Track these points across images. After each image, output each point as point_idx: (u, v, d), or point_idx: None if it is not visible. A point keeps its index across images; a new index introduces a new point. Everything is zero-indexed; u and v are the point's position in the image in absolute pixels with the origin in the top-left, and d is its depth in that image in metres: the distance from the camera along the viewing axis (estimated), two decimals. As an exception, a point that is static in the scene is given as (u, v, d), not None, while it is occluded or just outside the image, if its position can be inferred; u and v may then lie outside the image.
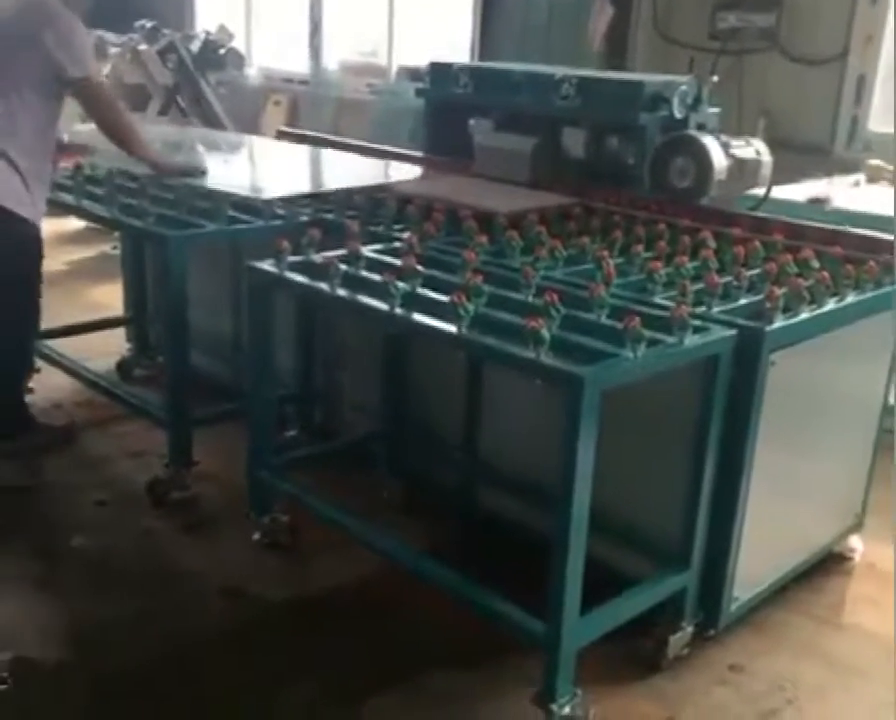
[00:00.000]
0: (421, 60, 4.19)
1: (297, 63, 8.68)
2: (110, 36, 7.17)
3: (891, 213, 3.81)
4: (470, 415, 3.07)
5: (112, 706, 2.39)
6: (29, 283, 3.31)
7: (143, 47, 7.10)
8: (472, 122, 3.77)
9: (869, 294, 2.71)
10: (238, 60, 7.77)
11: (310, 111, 8.23)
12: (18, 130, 3.15)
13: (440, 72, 3.88)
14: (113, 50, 7.13)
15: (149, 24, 7.30)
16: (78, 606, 2.73)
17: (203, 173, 3.66)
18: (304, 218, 3.24)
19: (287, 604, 2.77)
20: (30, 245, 3.25)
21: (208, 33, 7.56)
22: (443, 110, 3.94)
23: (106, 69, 6.69)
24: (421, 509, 3.20)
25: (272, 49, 9.15)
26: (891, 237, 2.94)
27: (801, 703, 2.48)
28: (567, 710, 2.20)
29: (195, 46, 7.32)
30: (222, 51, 7.46)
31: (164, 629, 2.64)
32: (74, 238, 6.28)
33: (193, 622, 2.67)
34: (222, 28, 7.64)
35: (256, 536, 3.00)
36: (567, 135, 3.50)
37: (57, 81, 3.16)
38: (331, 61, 8.58)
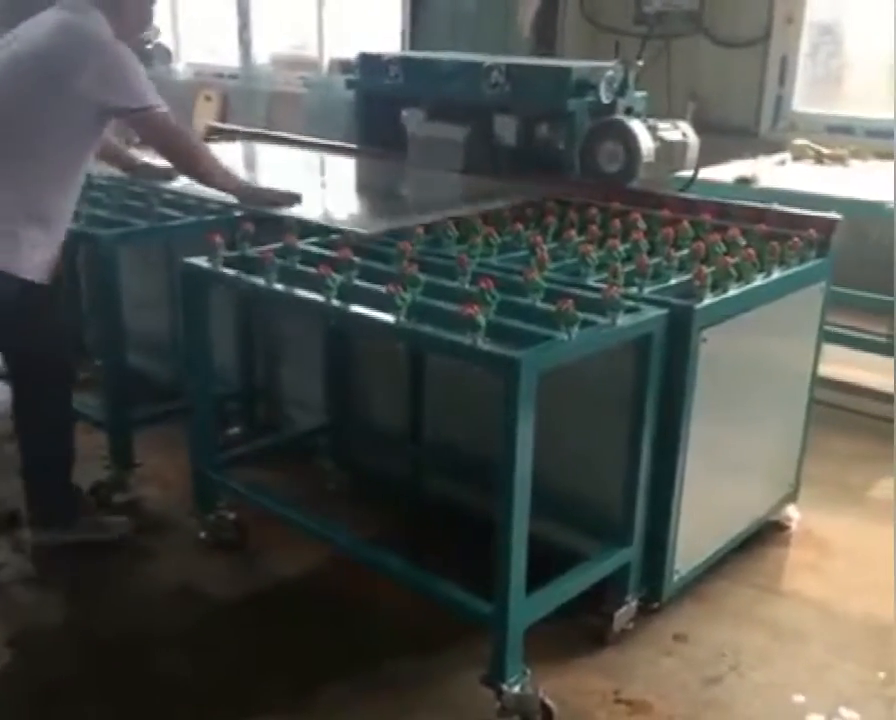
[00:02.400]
0: (353, 52, 4.17)
1: (228, 57, 8.58)
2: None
3: (815, 190, 3.93)
4: (413, 403, 3.09)
5: (61, 711, 2.37)
6: (43, 344, 2.82)
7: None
8: (404, 113, 3.78)
9: (794, 269, 2.79)
10: (165, 55, 7.66)
11: (242, 105, 8.15)
12: (28, 177, 2.69)
13: (370, 63, 3.88)
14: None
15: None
16: (22, 611, 2.69)
17: (297, 200, 3.13)
18: (238, 213, 3.22)
19: (237, 600, 2.76)
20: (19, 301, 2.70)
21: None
22: (374, 101, 3.94)
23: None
24: (368, 499, 3.22)
25: (201, 44, 9.04)
26: (815, 213, 3.03)
27: (743, 669, 2.55)
28: (517, 689, 2.24)
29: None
30: (149, 46, 7.35)
31: (112, 632, 2.62)
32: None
33: (142, 624, 2.65)
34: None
35: (202, 535, 2.98)
36: (498, 123, 3.53)
37: (98, 116, 2.74)
38: (262, 55, 8.50)
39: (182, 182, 3.37)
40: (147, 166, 3.53)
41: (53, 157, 2.70)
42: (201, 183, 3.06)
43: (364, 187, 3.95)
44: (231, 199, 3.16)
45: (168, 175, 3.44)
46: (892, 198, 3.74)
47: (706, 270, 2.48)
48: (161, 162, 3.28)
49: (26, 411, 2.89)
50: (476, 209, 3.07)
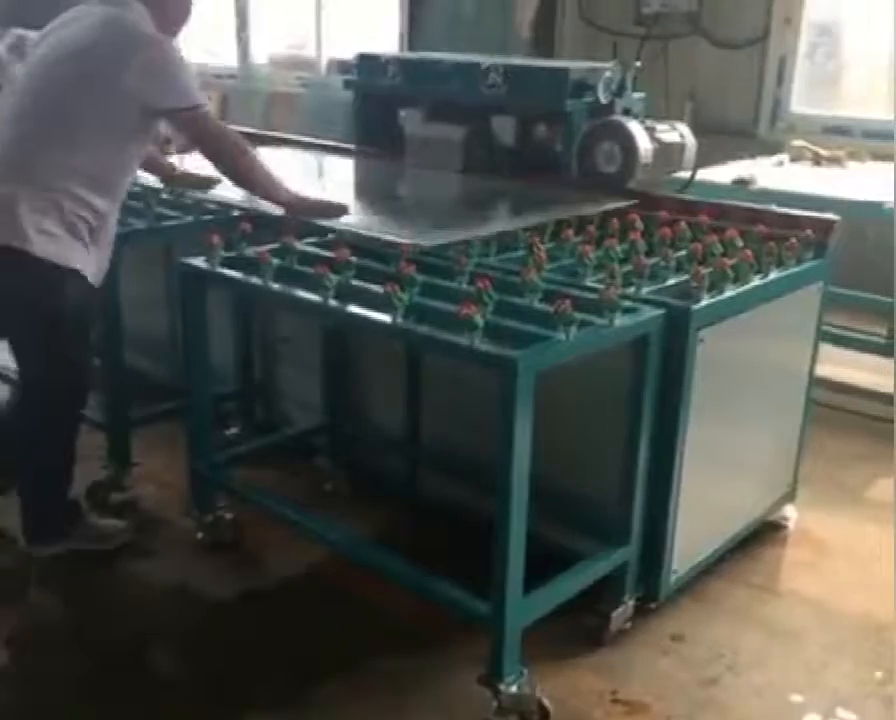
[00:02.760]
0: (351, 52, 4.16)
1: (226, 58, 8.58)
2: (30, 34, 6.99)
3: (812, 191, 3.94)
4: (411, 403, 3.09)
5: (59, 711, 2.37)
6: (62, 338, 2.66)
7: (66, 45, 6.93)
8: (402, 113, 3.78)
9: (792, 270, 2.79)
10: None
11: (240, 105, 8.14)
12: (71, 177, 2.57)
13: (368, 64, 3.87)
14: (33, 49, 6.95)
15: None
16: (19, 610, 2.69)
17: (345, 211, 2.90)
18: (236, 213, 3.22)
19: (233, 600, 2.76)
20: (61, 294, 2.59)
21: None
22: (373, 102, 3.94)
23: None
24: (365, 499, 3.22)
25: (199, 44, 9.03)
26: (813, 214, 3.04)
27: (741, 669, 2.55)
28: (514, 689, 2.24)
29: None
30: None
31: (109, 631, 2.62)
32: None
33: (139, 623, 2.65)
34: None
35: (199, 535, 2.98)
36: (496, 123, 3.53)
37: (143, 117, 2.63)
38: (260, 55, 8.50)
39: (221, 192, 3.22)
40: (186, 175, 3.36)
41: (94, 158, 2.59)
42: (247, 190, 2.89)
43: (392, 195, 3.67)
44: (267, 206, 2.93)
45: (208, 184, 3.25)
46: (889, 199, 3.75)
47: (703, 271, 2.49)
48: (199, 170, 3.21)
49: (33, 425, 2.76)
50: (538, 220, 2.97)
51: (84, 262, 2.61)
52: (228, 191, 3.10)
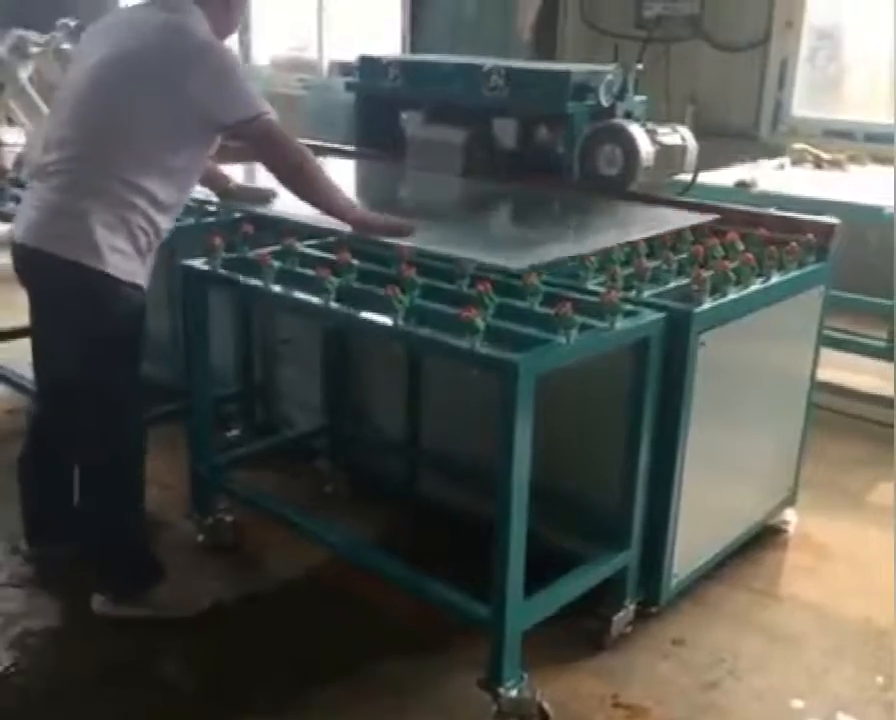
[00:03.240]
0: (353, 54, 4.16)
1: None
2: (32, 35, 7.00)
3: (814, 195, 3.94)
4: (412, 405, 3.09)
5: (60, 713, 2.37)
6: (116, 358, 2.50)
7: (66, 46, 6.94)
8: (404, 115, 3.78)
9: (793, 273, 2.79)
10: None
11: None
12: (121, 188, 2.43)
13: (370, 66, 3.87)
14: (35, 49, 6.96)
15: (73, 22, 7.14)
16: (20, 615, 2.69)
17: (412, 231, 2.66)
18: (237, 214, 3.22)
19: (234, 602, 2.76)
20: (125, 308, 2.49)
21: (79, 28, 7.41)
22: (374, 104, 3.94)
23: (28, 69, 6.53)
24: (365, 501, 3.21)
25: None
26: (814, 218, 3.03)
27: (741, 673, 2.55)
28: (514, 693, 2.24)
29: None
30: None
31: (110, 634, 2.61)
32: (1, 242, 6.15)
33: (140, 627, 2.64)
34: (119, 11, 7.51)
35: (200, 537, 2.98)
36: (498, 126, 3.52)
37: (206, 129, 2.51)
38: (262, 57, 8.50)
39: (277, 208, 3.01)
40: (243, 188, 3.16)
41: (160, 175, 2.46)
42: (310, 204, 2.63)
43: (439, 211, 3.31)
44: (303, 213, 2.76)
45: (266, 198, 3.04)
46: (890, 203, 3.75)
47: (705, 274, 2.48)
48: (256, 183, 3.10)
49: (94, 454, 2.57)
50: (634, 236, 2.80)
51: (144, 276, 2.55)
52: (288, 206, 2.87)
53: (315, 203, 2.63)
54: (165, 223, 2.56)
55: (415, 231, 2.63)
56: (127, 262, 2.46)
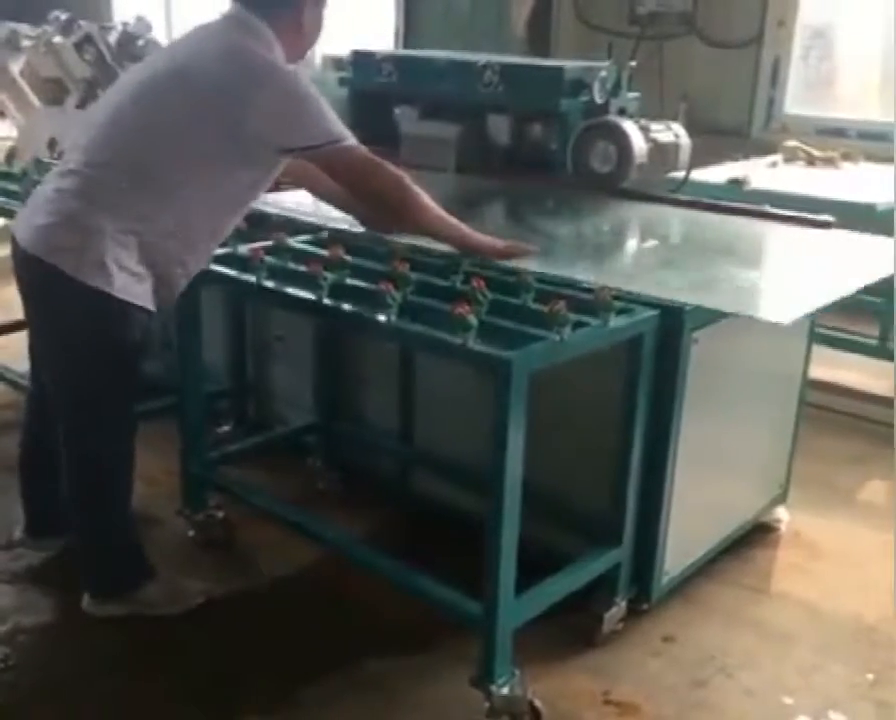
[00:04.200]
0: (346, 49, 4.15)
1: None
2: (24, 28, 6.97)
3: (806, 192, 3.94)
4: (404, 402, 3.09)
5: (53, 711, 2.36)
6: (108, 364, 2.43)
7: (58, 39, 6.91)
8: (397, 111, 3.77)
9: (786, 271, 2.80)
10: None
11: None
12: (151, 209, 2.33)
13: (363, 61, 3.86)
14: (27, 43, 6.93)
15: (64, 15, 7.11)
16: (10, 611, 2.68)
17: (529, 251, 2.56)
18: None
19: (225, 600, 2.75)
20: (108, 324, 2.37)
21: (126, 24, 7.39)
22: (367, 99, 3.93)
23: (20, 63, 6.50)
24: (358, 498, 3.21)
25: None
26: (807, 215, 3.04)
27: (732, 671, 2.55)
28: (506, 690, 2.23)
29: (113, 38, 7.14)
30: (141, 42, 7.28)
31: (99, 631, 2.60)
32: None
33: (132, 624, 2.63)
34: (140, 19, 7.48)
35: (191, 533, 2.97)
36: (491, 122, 3.52)
37: (268, 156, 2.39)
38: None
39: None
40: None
41: (173, 193, 2.33)
42: (412, 231, 2.54)
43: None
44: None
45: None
46: (882, 200, 3.76)
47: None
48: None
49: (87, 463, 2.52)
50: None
51: (152, 299, 2.41)
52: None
53: (421, 231, 2.51)
54: (190, 251, 2.42)
55: (534, 252, 2.54)
56: (137, 284, 2.34)
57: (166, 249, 2.37)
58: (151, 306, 2.40)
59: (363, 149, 2.39)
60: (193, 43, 2.43)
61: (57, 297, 2.35)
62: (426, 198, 2.46)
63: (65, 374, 2.46)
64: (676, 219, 3.29)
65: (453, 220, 2.51)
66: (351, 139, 2.37)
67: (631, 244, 3.21)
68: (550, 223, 3.17)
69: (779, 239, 3.14)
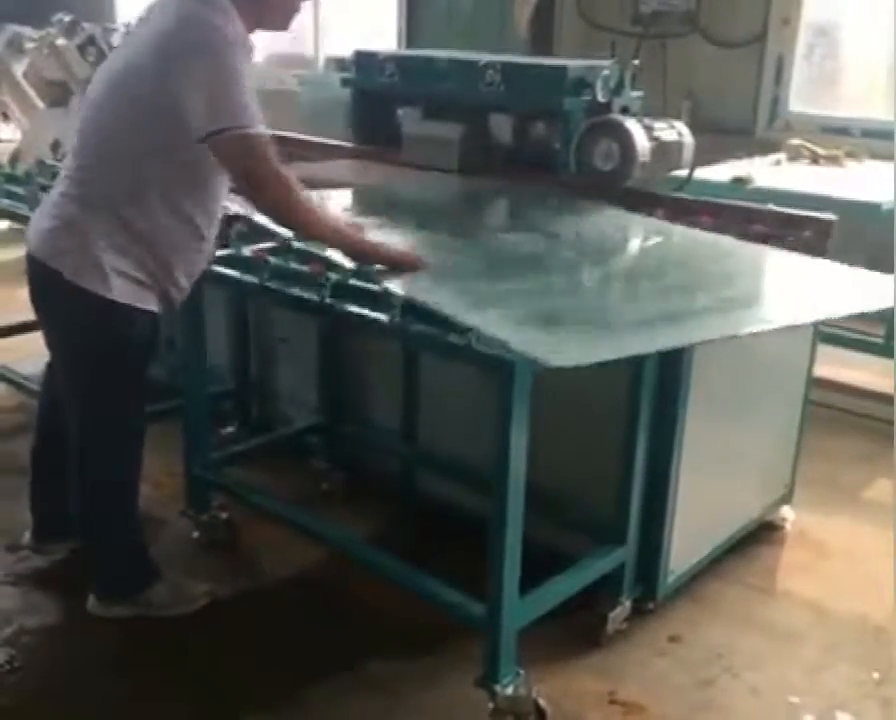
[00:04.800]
0: (349, 49, 4.14)
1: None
2: (27, 30, 6.98)
3: (812, 190, 3.93)
4: (408, 403, 3.08)
5: (56, 712, 2.36)
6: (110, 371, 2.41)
7: (61, 41, 6.92)
8: (400, 111, 3.76)
9: (790, 269, 2.78)
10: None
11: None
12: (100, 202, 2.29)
13: (365, 61, 3.85)
14: (30, 45, 6.94)
15: (67, 17, 7.12)
16: (14, 612, 2.68)
17: (421, 264, 2.29)
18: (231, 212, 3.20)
19: (229, 599, 2.75)
20: (109, 325, 2.35)
21: (128, 26, 7.39)
22: (370, 99, 3.92)
23: (24, 65, 6.50)
24: (361, 499, 3.21)
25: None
26: (811, 214, 3.02)
27: (738, 670, 2.55)
28: (510, 690, 2.23)
29: (115, 39, 7.16)
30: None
31: (103, 631, 2.60)
32: (-3, 239, 6.13)
33: (136, 625, 2.63)
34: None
35: (195, 534, 2.97)
36: (494, 121, 3.51)
37: (180, 137, 2.21)
38: (257, 53, 8.46)
39: None
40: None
41: (145, 190, 2.28)
42: (306, 235, 2.37)
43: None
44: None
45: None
46: (887, 199, 3.74)
47: (702, 270, 2.47)
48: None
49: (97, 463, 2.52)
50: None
51: (157, 301, 2.40)
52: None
53: (322, 240, 2.34)
54: (175, 251, 2.36)
55: (424, 264, 2.30)
56: (135, 287, 2.32)
57: (154, 251, 2.33)
58: (154, 308, 2.39)
59: (268, 148, 2.22)
60: (155, 19, 2.29)
61: (59, 300, 2.36)
62: (316, 203, 2.32)
63: (72, 376, 2.47)
64: (642, 231, 2.96)
65: (346, 228, 2.35)
66: (259, 129, 2.20)
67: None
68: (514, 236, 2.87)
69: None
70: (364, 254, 2.32)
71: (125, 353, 2.40)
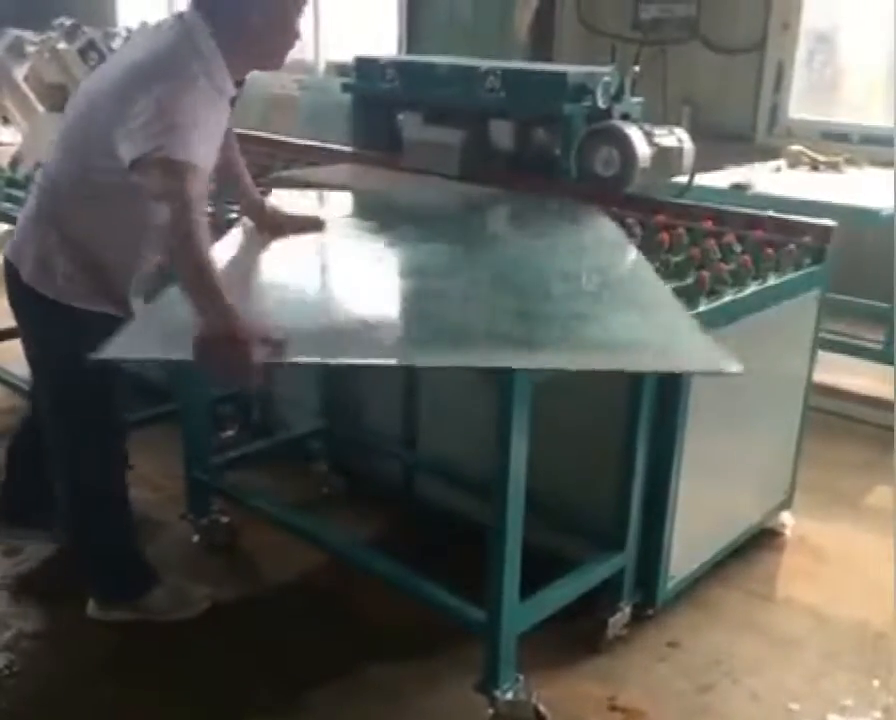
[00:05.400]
0: (349, 55, 4.15)
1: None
2: (28, 34, 6.99)
3: (811, 197, 3.94)
4: (408, 408, 3.08)
5: (54, 716, 2.37)
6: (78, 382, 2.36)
7: (62, 45, 6.92)
8: (401, 116, 3.77)
9: (790, 276, 2.79)
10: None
11: (238, 108, 8.08)
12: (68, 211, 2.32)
13: (366, 67, 3.86)
14: (31, 49, 6.94)
15: (68, 21, 7.12)
16: (12, 616, 2.68)
17: (286, 343, 1.94)
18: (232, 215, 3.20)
19: (229, 604, 2.75)
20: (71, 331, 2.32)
21: (129, 30, 7.40)
22: (370, 105, 3.93)
23: (24, 69, 6.50)
24: (362, 503, 3.21)
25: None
26: (811, 220, 3.03)
27: (738, 675, 2.55)
28: (510, 695, 2.24)
29: (117, 44, 7.16)
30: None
31: (103, 635, 2.60)
32: (-3, 243, 6.14)
33: (132, 627, 2.63)
34: (144, 25, 7.49)
35: (195, 538, 2.97)
36: (494, 127, 3.52)
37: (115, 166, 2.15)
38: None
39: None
40: (292, 219, 2.74)
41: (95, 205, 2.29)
42: (185, 291, 2.02)
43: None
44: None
45: (319, 226, 2.72)
46: (887, 205, 3.75)
47: (706, 275, 2.48)
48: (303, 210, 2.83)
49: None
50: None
51: (114, 305, 2.38)
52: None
53: (179, 261, 2.04)
54: (129, 255, 2.38)
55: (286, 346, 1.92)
56: (85, 291, 2.34)
57: (104, 258, 2.35)
58: (110, 310, 2.33)
59: (187, 179, 2.01)
60: (137, 44, 2.34)
61: (20, 302, 2.43)
62: (209, 258, 2.03)
63: (39, 377, 2.53)
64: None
65: (223, 297, 1.96)
66: (178, 155, 2.02)
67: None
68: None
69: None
70: (233, 328, 1.91)
71: (81, 356, 2.24)
